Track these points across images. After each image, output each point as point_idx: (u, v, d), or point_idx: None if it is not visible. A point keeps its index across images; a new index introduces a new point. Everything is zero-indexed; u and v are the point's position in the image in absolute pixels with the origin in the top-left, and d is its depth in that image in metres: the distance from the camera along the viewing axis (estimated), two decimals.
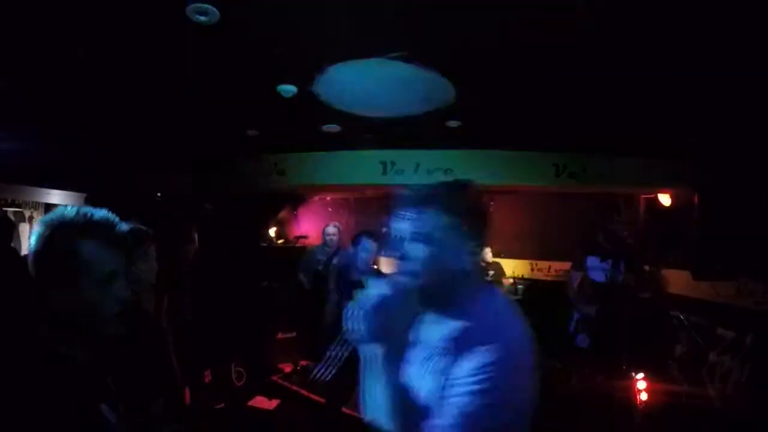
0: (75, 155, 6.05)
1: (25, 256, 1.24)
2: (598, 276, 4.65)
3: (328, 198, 9.44)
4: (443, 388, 1.15)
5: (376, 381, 1.18)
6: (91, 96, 3.86)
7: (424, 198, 1.32)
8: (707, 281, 5.27)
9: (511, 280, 7.77)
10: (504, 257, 8.01)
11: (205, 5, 2.35)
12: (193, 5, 2.34)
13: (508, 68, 3.26)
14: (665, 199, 5.99)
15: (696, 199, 5.61)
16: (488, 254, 7.50)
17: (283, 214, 8.99)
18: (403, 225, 1.31)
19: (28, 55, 2.98)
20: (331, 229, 5.97)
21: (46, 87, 3.63)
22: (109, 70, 3.30)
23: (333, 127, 4.83)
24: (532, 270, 8.24)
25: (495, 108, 4.23)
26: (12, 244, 5.31)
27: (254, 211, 7.78)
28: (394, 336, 1.21)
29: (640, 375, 4.37)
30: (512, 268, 8.06)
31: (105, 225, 1.29)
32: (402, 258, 1.28)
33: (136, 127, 4.86)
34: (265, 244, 8.41)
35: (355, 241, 4.27)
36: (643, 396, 4.22)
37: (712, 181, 5.39)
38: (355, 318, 1.18)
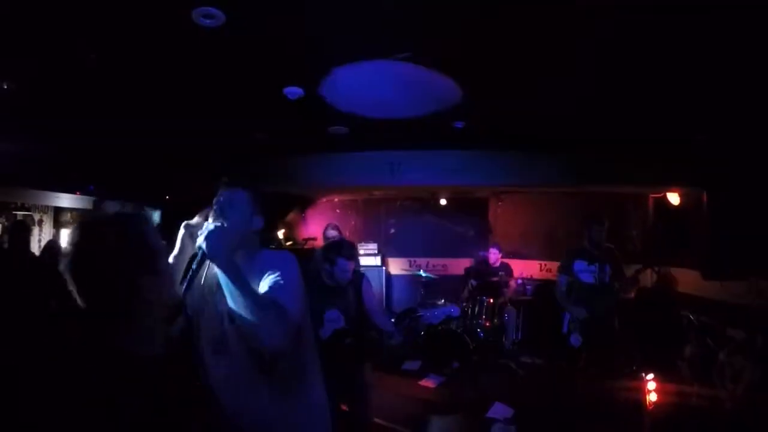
0: (84, 159, 6.10)
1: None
2: (587, 278, 4.87)
3: (336, 199, 9.48)
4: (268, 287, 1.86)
5: (233, 283, 1.68)
6: (98, 100, 3.90)
7: (234, 183, 2.07)
8: (717, 281, 5.25)
9: (520, 281, 7.75)
10: (512, 258, 8.00)
11: (211, 8, 2.37)
12: (199, 9, 2.36)
13: (514, 69, 3.26)
14: (674, 199, 5.96)
15: (705, 199, 5.58)
16: (496, 254, 7.51)
17: (291, 216, 9.02)
18: (224, 198, 2.01)
19: (37, 58, 3.02)
20: (331, 233, 6.01)
21: (55, 91, 3.67)
22: (117, 74, 3.33)
23: (340, 129, 4.84)
24: (541, 270, 8.23)
25: (501, 109, 4.22)
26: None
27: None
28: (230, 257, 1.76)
29: (650, 375, 4.36)
30: (521, 268, 8.05)
31: (146, 215, 1.39)
32: (221, 215, 1.95)
33: (144, 130, 4.89)
34: (273, 246, 8.44)
35: (329, 258, 3.55)
36: (653, 396, 4.20)
37: (721, 180, 5.36)
38: (207, 238, 1.71)
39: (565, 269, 5.05)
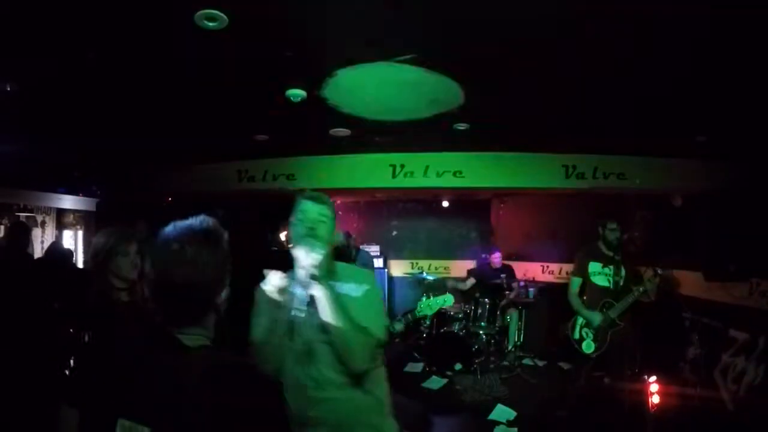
0: (86, 160, 6.12)
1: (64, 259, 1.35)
2: (602, 281, 4.74)
3: (338, 202, 9.47)
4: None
5: (332, 303, 1.84)
6: (100, 102, 3.92)
7: (321, 198, 2.15)
8: (719, 282, 5.24)
9: (522, 283, 7.74)
10: (515, 260, 8.00)
11: (214, 11, 2.38)
12: (202, 11, 2.38)
13: (517, 70, 3.27)
14: (677, 200, 5.95)
15: (708, 200, 5.57)
16: (498, 258, 7.52)
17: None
18: (313, 214, 2.07)
19: (40, 61, 3.03)
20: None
21: (57, 93, 3.69)
22: (119, 77, 3.34)
23: (342, 131, 4.85)
24: (543, 272, 8.22)
25: (504, 110, 4.22)
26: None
27: (265, 216, 7.81)
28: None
29: (652, 377, 4.35)
30: (523, 270, 8.04)
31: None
32: (311, 234, 1.98)
33: (146, 132, 4.91)
34: (275, 249, 8.44)
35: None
36: (656, 398, 4.19)
37: (724, 182, 5.36)
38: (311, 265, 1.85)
39: (579, 271, 4.90)
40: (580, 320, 4.80)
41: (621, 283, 4.66)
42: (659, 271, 4.64)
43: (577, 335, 4.82)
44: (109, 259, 2.57)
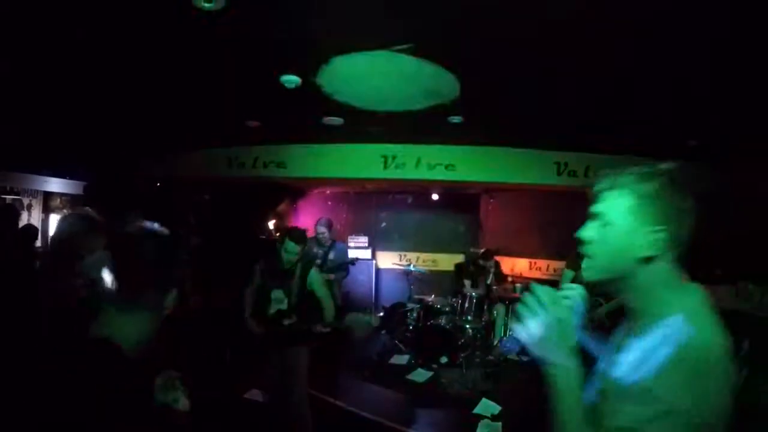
0: (75, 142, 6.02)
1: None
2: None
3: (328, 191, 9.43)
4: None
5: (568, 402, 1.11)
6: (92, 83, 3.84)
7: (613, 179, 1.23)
8: (704, 285, 5.28)
9: (510, 279, 7.76)
10: (503, 255, 8.02)
11: None
12: None
13: (513, 66, 3.25)
14: None
15: (695, 203, 5.61)
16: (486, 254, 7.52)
17: (282, 207, 8.97)
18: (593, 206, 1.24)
19: (30, 40, 2.95)
20: (322, 228, 6.00)
21: (47, 72, 3.61)
22: (113, 57, 3.27)
23: (335, 120, 4.81)
24: (531, 268, 8.24)
25: (497, 105, 4.21)
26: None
27: (253, 204, 7.76)
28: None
29: None
30: (511, 266, 8.06)
31: None
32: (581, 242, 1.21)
33: (137, 115, 4.84)
34: (263, 237, 8.39)
35: (282, 239, 3.87)
36: None
37: (711, 185, 5.39)
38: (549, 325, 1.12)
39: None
40: None
41: None
42: None
43: None
44: (72, 257, 2.26)
